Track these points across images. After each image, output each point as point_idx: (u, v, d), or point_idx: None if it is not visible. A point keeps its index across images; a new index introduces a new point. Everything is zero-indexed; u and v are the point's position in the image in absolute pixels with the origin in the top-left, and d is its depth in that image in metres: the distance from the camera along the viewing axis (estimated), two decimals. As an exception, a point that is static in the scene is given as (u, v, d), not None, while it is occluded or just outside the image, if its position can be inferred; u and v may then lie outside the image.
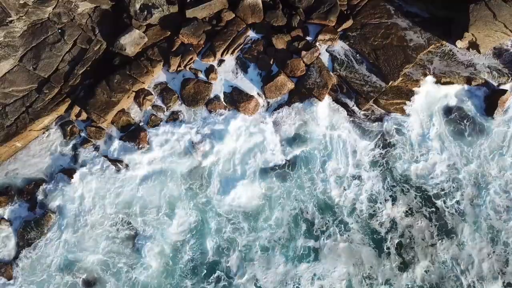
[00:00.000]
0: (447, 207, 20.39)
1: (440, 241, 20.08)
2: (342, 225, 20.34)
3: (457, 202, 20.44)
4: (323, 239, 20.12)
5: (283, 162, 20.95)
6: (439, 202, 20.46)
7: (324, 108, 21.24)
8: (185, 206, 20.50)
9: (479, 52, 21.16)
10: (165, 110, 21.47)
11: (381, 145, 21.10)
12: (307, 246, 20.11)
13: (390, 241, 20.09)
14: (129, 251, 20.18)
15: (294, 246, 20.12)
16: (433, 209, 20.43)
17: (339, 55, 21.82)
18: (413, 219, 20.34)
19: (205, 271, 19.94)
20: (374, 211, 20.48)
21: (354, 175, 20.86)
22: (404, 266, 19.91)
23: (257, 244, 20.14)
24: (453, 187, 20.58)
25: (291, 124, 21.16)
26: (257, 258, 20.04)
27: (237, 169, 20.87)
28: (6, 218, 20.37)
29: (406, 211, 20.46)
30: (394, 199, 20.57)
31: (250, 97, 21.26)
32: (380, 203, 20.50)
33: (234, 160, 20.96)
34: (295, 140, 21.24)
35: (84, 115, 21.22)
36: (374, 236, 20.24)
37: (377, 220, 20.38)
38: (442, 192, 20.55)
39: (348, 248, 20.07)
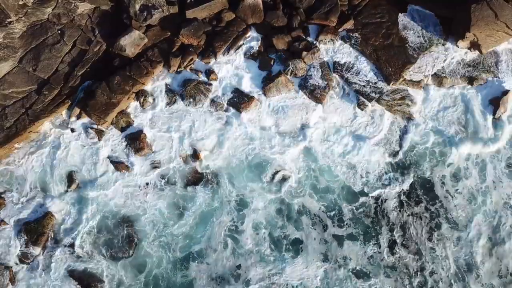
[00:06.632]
0: None
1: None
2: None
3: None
4: None
5: None
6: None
7: None
8: None
9: (480, 52, 21.07)
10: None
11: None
12: None
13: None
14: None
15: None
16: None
17: (340, 55, 21.73)
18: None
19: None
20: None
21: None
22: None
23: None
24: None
25: None
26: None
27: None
28: (6, 221, 20.39)
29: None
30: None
31: (251, 98, 21.24)
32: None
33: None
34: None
35: (84, 117, 21.13)
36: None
37: None
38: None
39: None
